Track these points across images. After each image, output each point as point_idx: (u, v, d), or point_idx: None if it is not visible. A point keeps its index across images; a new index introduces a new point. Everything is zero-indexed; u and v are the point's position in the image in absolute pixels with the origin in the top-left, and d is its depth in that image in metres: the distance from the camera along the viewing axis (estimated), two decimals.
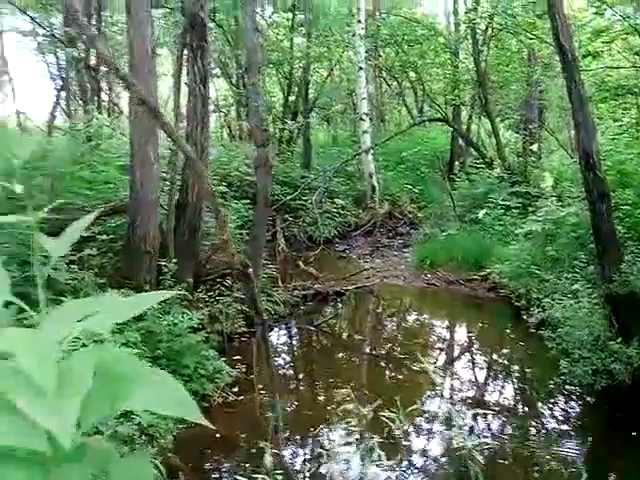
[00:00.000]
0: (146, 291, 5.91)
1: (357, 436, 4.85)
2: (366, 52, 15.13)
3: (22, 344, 1.08)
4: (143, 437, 4.06)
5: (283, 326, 7.97)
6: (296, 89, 16.42)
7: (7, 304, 1.36)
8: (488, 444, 4.60)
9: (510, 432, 5.11)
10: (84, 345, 1.21)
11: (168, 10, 13.99)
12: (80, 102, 12.96)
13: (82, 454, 1.14)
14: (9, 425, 1.01)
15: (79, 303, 1.45)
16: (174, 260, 6.32)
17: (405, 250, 11.77)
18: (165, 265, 6.16)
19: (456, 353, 7.50)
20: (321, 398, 5.92)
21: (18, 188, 1.23)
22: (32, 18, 15.29)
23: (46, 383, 0.99)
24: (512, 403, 5.87)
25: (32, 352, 1.05)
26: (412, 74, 18.43)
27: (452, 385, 6.28)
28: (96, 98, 13.13)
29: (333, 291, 8.91)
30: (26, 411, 0.97)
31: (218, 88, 18.77)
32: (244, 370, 5.86)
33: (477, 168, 13.64)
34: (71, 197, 6.94)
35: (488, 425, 5.26)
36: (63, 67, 14.47)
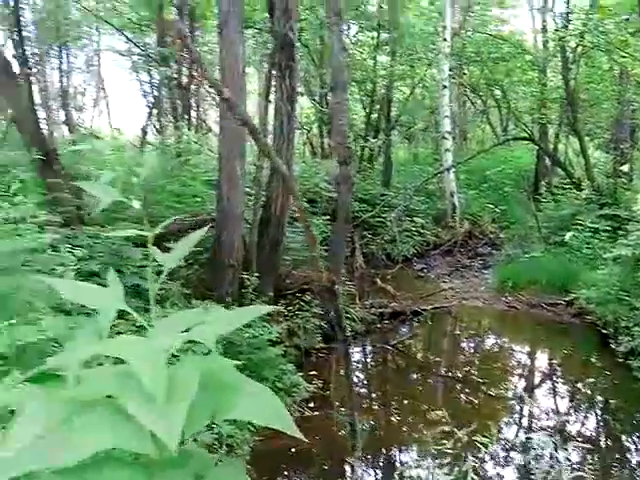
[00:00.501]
0: (228, 303, 6.09)
1: (430, 459, 4.78)
2: (450, 70, 15.03)
3: (133, 351, 1.15)
4: (223, 447, 4.16)
5: (359, 343, 7.96)
6: (378, 107, 16.48)
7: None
8: (569, 475, 4.42)
9: (592, 465, 4.87)
10: (174, 355, 1.27)
11: (256, 30, 14.41)
12: (171, 119, 13.55)
13: (187, 459, 1.20)
14: (119, 428, 1.07)
15: (184, 315, 1.53)
16: (256, 274, 6.47)
17: (485, 271, 11.52)
18: (247, 278, 6.31)
19: (537, 380, 7.24)
20: (394, 419, 5.85)
21: (136, 204, 1.32)
22: (128, 38, 16.12)
23: (156, 389, 1.05)
24: (595, 435, 5.59)
25: (143, 359, 1.12)
26: (497, 92, 18.19)
27: (531, 413, 6.06)
28: (186, 115, 13.66)
29: (410, 310, 8.81)
30: (136, 415, 1.03)
31: (301, 106, 19.11)
32: (320, 386, 5.89)
33: (564, 189, 13.19)
34: (161, 209, 7.25)
35: (569, 456, 5.04)
36: (156, 85, 15.18)
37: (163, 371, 1.10)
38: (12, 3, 9.99)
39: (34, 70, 12.47)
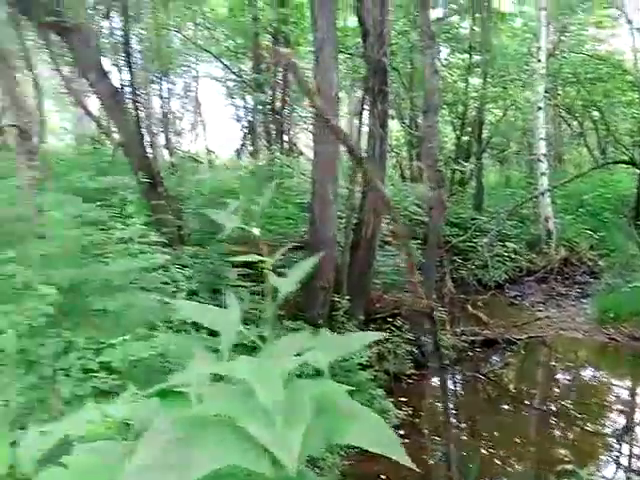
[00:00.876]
0: (319, 325, 6.14)
1: None
2: (546, 91, 14.64)
3: (253, 372, 1.18)
4: (315, 469, 4.17)
5: (450, 371, 7.77)
6: (469, 129, 16.28)
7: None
8: None
9: None
10: None
11: (347, 55, 14.62)
12: (264, 142, 13.93)
13: None
14: (239, 447, 1.10)
15: (296, 338, 1.56)
16: (347, 297, 6.50)
17: (584, 300, 10.99)
18: (338, 301, 6.35)
19: (638, 417, 6.82)
20: (484, 451, 5.67)
21: (256, 231, 1.37)
22: (225, 65, 16.78)
23: (274, 410, 1.07)
24: None
25: (262, 381, 1.15)
26: (595, 113, 17.56)
27: (631, 452, 5.70)
28: (278, 139, 14.02)
29: (503, 339, 8.54)
30: (257, 436, 1.06)
31: (390, 129, 19.10)
32: (411, 413, 5.79)
33: None
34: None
35: None
36: (250, 110, 15.68)
37: (281, 392, 1.13)
38: (120, 33, 10.72)
39: (140, 96, 13.17)
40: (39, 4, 6.62)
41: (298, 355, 1.40)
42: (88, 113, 10.42)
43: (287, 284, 1.43)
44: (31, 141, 4.62)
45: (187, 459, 1.08)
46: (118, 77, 10.90)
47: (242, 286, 5.79)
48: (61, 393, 2.41)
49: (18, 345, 2.46)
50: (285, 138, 15.57)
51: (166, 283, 3.71)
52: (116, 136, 7.80)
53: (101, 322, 2.80)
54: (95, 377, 2.59)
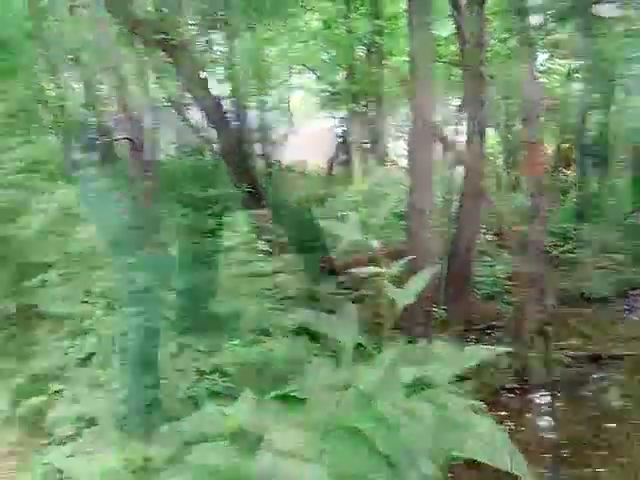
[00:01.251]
0: (415, 335, 6.08)
1: None
2: None
3: (374, 383, 1.21)
4: None
5: (552, 387, 7.50)
6: (570, 137, 15.68)
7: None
8: None
9: None
10: None
11: (441, 63, 14.46)
12: (358, 152, 14.03)
13: None
14: (361, 457, 1.14)
15: (410, 349, 1.58)
16: (444, 307, 6.43)
17: None
18: (436, 311, 6.30)
19: None
20: (588, 471, 5.44)
21: (376, 243, 1.41)
22: (319, 77, 17.06)
23: (394, 420, 1.10)
24: None
25: (384, 392, 1.18)
26: None
27: None
28: (372, 149, 14.10)
29: (608, 355, 8.14)
30: (382, 449, 1.09)
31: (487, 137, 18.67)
32: (511, 428, 5.65)
33: None
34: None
35: None
36: (343, 120, 15.84)
37: (401, 403, 1.15)
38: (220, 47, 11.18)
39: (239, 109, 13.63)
40: (147, 23, 7.04)
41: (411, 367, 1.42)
42: (190, 125, 10.86)
43: (405, 296, 1.46)
44: (144, 153, 4.90)
45: (304, 468, 1.12)
46: (217, 90, 11.31)
47: (339, 294, 5.88)
48: (176, 394, 2.55)
49: (138, 346, 2.62)
50: (378, 147, 15.60)
51: (270, 289, 3.83)
52: (217, 147, 8.10)
53: (214, 326, 2.93)
54: (207, 379, 2.72)
